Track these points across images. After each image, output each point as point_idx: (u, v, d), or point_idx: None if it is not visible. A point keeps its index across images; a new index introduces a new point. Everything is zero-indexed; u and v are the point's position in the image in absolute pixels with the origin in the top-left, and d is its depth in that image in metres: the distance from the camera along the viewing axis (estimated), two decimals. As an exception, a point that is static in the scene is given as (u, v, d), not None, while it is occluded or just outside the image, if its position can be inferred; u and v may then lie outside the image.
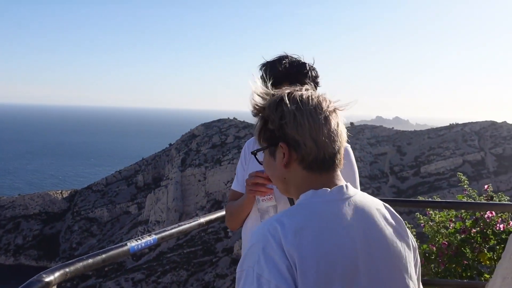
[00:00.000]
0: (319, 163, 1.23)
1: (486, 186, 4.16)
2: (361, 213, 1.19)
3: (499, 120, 79.64)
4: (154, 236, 2.19)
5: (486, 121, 78.83)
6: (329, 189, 1.21)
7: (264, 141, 1.31)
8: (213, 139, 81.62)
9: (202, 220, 2.55)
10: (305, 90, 1.28)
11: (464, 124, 78.97)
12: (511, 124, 76.75)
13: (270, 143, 1.29)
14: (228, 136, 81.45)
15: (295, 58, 1.92)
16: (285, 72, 1.85)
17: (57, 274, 1.59)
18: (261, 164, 1.39)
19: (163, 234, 2.25)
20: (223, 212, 2.75)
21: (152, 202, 72.35)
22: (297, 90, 1.28)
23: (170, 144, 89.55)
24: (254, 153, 1.47)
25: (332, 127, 1.23)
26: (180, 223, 2.40)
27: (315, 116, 1.22)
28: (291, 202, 1.70)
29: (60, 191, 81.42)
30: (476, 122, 78.65)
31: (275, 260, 1.05)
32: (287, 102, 1.23)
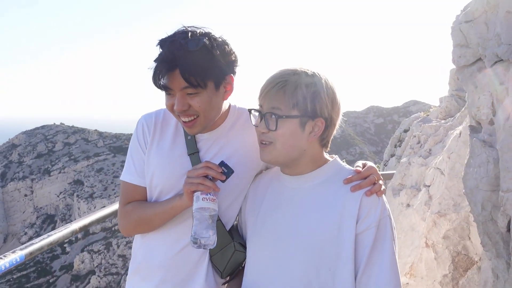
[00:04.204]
0: (329, 142, 1.49)
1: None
2: None
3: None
4: (20, 253, 1.74)
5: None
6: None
7: (297, 110, 1.37)
8: (38, 148, 73.49)
9: (75, 226, 2.13)
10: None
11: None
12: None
13: (304, 115, 1.37)
14: (56, 143, 74.14)
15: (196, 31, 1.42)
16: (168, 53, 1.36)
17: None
18: (256, 126, 1.44)
19: (31, 248, 1.80)
20: (98, 214, 2.37)
21: (-33, 227, 62.06)
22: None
23: (-16, 158, 77.76)
24: (249, 111, 1.48)
25: None
26: (49, 233, 1.96)
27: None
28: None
29: None
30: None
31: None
32: (331, 84, 1.42)
